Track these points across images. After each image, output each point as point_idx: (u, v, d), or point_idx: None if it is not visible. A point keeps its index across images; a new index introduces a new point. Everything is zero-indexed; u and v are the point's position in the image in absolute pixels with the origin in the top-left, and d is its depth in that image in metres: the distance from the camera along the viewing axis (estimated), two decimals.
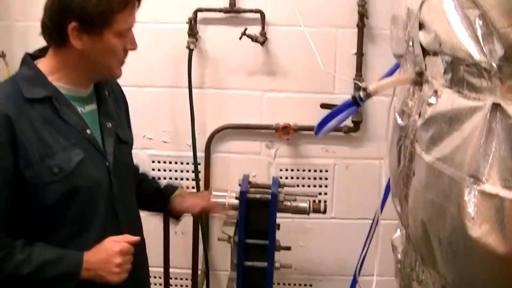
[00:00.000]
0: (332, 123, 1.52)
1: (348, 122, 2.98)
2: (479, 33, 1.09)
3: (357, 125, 3.01)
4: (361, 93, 1.44)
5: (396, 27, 1.62)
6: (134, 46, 1.78)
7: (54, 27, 1.69)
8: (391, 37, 1.71)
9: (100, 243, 1.73)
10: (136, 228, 1.95)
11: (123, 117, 2.00)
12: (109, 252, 1.71)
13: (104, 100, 1.88)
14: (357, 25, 2.92)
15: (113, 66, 1.79)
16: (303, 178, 3.15)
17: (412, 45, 1.46)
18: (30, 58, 1.76)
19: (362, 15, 2.90)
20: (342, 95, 2.94)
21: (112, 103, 1.92)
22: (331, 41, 2.98)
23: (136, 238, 1.78)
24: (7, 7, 3.09)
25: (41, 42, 3.01)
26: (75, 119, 1.74)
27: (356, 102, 1.45)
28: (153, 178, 2.29)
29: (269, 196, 2.32)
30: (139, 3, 1.76)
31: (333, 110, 1.47)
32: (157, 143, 3.13)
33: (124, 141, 1.92)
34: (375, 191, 2.73)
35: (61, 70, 1.73)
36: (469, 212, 1.09)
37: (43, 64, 1.74)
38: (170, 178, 3.11)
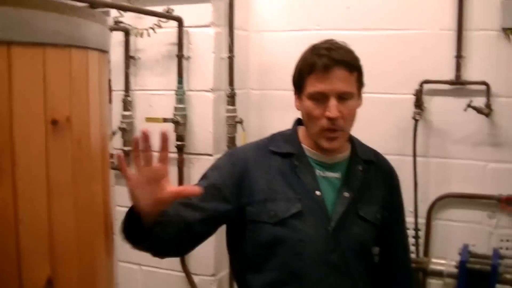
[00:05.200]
0: None
1: None
2: None
3: None
4: None
5: None
6: (330, 113, 1.89)
7: None
8: None
9: None
10: None
11: (377, 199, 2.10)
12: None
13: (352, 173, 2.05)
14: None
15: (316, 133, 1.97)
16: None
17: None
18: (297, 121, 2.12)
19: None
20: None
21: (361, 179, 2.06)
22: None
23: None
24: (246, 77, 3.64)
25: (274, 109, 3.53)
26: (309, 179, 1.99)
27: None
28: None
29: (489, 268, 2.48)
30: (347, 71, 1.91)
31: None
32: None
33: (363, 217, 2.04)
34: None
35: (307, 134, 2.05)
36: None
37: (302, 128, 2.07)
38: None
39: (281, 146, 2.07)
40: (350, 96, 1.93)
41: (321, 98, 1.91)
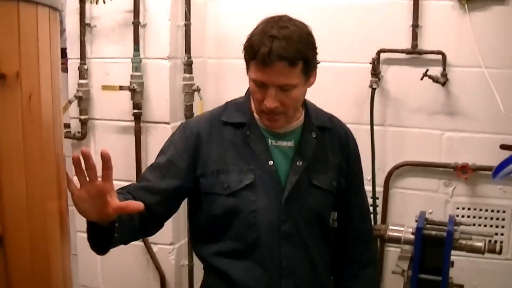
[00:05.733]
0: (509, 168, 1.68)
1: None
2: None
3: None
4: None
5: None
6: (267, 104, 1.88)
7: None
8: None
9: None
10: (307, 276, 2.06)
11: (332, 166, 2.10)
12: None
13: (305, 141, 2.05)
14: None
15: (258, 112, 2.01)
16: (480, 218, 3.39)
17: None
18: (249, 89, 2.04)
19: None
20: None
21: (315, 147, 2.06)
22: None
23: None
24: (203, 45, 3.63)
25: (232, 78, 3.52)
26: (261, 149, 2.00)
27: None
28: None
29: (445, 234, 2.52)
30: (289, 65, 1.82)
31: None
32: None
33: (317, 186, 2.06)
34: None
35: None
36: None
37: None
38: None
39: (232, 116, 2.07)
40: (292, 87, 1.88)
41: (262, 85, 1.88)
